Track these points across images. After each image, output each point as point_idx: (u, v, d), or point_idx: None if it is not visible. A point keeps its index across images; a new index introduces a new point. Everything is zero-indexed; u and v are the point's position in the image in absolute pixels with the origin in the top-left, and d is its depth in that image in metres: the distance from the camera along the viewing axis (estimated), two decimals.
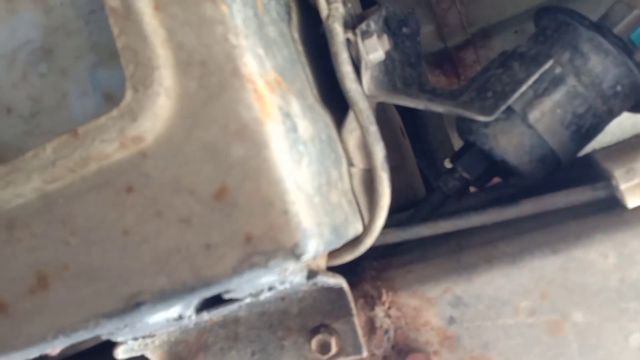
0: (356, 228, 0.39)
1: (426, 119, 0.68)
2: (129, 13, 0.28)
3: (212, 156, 0.28)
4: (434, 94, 0.43)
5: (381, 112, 0.53)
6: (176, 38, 0.29)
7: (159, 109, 0.28)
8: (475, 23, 0.68)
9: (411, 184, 0.56)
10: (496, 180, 0.46)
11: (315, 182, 0.32)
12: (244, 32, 0.29)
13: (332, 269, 0.40)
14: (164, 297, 0.29)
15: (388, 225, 0.41)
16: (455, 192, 0.44)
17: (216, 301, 0.37)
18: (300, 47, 0.40)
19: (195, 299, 0.34)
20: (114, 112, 0.28)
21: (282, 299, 0.40)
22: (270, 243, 0.28)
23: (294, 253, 0.28)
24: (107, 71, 0.33)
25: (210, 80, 0.28)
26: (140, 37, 0.28)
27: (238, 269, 0.28)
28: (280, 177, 0.28)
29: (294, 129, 0.31)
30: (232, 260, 0.28)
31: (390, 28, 0.46)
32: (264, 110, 0.29)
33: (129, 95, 0.28)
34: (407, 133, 0.62)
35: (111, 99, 0.33)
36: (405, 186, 0.54)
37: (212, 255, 0.28)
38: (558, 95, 0.39)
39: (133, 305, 0.29)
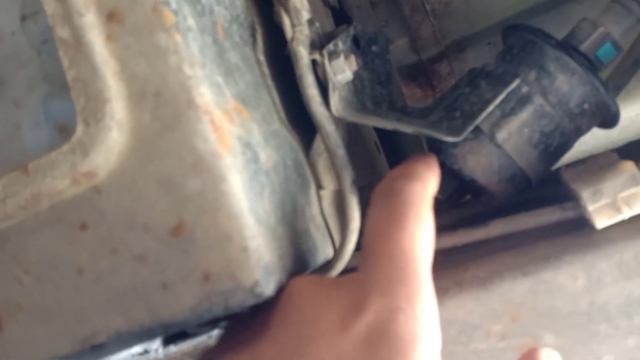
0: (326, 253, 0.38)
1: (402, 134, 0.68)
2: (79, 44, 0.27)
3: (167, 190, 0.27)
4: (404, 112, 0.43)
5: (354, 129, 0.53)
6: (129, 69, 0.28)
7: (111, 143, 0.27)
8: (448, 35, 0.68)
9: None
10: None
11: (279, 212, 0.31)
12: (201, 61, 0.28)
13: None
14: (122, 338, 0.28)
15: (360, 247, 0.40)
16: None
17: (184, 333, 0.36)
18: (266, 70, 0.39)
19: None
20: (65, 147, 0.27)
21: None
22: (229, 281, 0.27)
23: (254, 292, 0.27)
24: (60, 102, 0.32)
25: (165, 111, 0.27)
26: (91, 69, 0.27)
27: (196, 310, 0.27)
28: (239, 211, 0.27)
29: (254, 159, 0.30)
30: (190, 299, 0.27)
31: (360, 47, 0.45)
32: (221, 141, 0.28)
33: (79, 129, 0.27)
34: (383, 148, 0.61)
35: (65, 130, 0.32)
36: None
37: (169, 294, 0.27)
38: (525, 114, 0.39)
39: (90, 347, 0.28)
